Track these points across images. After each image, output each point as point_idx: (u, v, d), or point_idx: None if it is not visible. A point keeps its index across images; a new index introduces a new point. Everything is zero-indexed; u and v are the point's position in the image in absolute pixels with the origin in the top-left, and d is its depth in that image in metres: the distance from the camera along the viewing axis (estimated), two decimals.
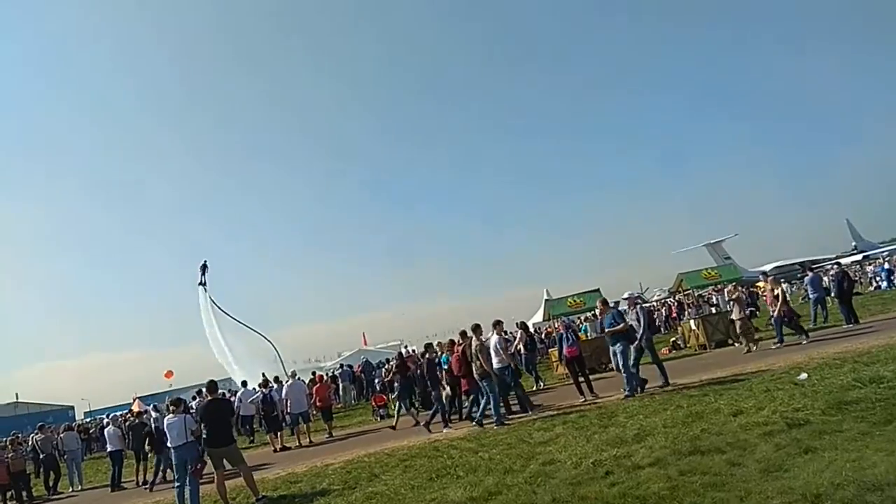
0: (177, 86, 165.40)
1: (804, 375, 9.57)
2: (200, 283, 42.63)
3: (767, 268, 54.66)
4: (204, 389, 13.14)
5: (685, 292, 26.27)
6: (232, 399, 19.16)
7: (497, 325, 13.64)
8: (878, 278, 33.87)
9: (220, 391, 21.63)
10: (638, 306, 13.47)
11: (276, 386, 17.40)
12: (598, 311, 16.75)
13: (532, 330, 22.87)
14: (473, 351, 12.03)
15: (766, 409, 7.79)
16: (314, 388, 17.45)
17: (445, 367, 15.41)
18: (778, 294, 15.71)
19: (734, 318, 16.13)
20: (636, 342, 12.37)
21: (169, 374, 62.93)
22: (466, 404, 13.87)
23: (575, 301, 24.78)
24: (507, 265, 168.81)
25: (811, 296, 20.06)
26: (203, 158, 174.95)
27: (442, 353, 16.45)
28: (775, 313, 15.57)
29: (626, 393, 11.56)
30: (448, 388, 14.69)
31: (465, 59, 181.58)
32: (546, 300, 30.79)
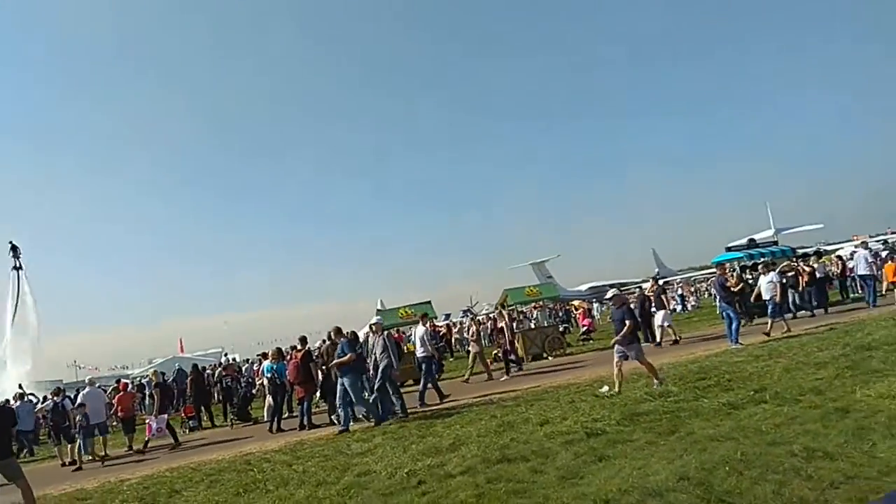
0: None
1: (605, 388, 10.36)
2: (15, 267, 38.49)
3: (583, 288, 58.86)
4: None
5: (510, 307, 27.41)
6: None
7: (424, 317, 15.17)
8: (674, 302, 37.67)
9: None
10: (384, 333, 12.37)
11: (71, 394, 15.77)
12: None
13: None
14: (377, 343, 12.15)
15: (569, 419, 8.30)
16: (116, 397, 16.01)
17: (268, 375, 14.96)
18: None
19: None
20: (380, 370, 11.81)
21: None
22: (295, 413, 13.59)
23: (406, 312, 24.88)
24: (348, 275, 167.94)
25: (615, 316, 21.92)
26: None
27: (267, 361, 16.02)
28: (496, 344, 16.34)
29: (341, 428, 11.28)
30: (270, 397, 14.34)
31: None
32: (378, 310, 30.81)
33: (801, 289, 19.74)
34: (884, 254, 20.72)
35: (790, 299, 19.77)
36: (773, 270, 16.88)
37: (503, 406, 10.60)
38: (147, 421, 14.68)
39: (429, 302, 23.26)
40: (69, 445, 14.27)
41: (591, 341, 23.53)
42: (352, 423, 11.48)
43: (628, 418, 7.70)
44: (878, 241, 44.33)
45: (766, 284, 15.72)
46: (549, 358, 18.93)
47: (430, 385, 13.72)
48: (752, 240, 26.77)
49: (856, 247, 21.90)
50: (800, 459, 5.03)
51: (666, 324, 17.55)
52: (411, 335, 25.43)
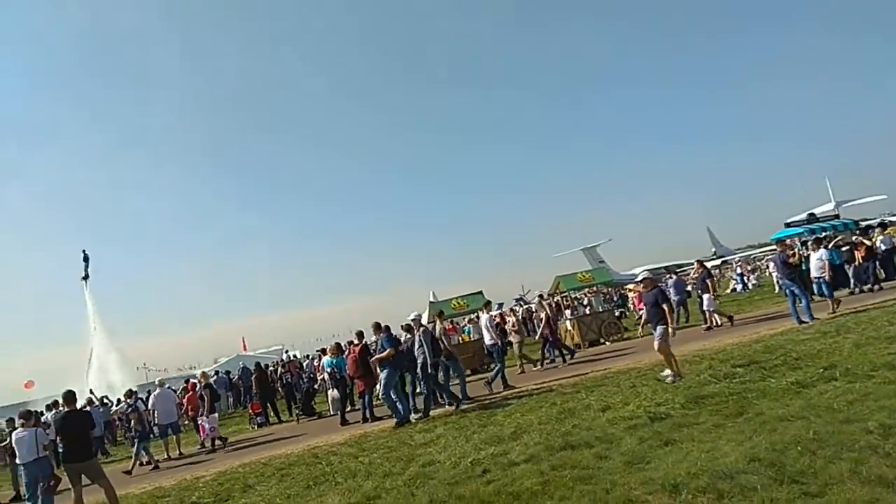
0: None
1: (667, 372, 10.18)
2: (84, 277, 39.82)
3: (637, 271, 57.94)
4: (60, 400, 12.06)
5: (562, 294, 27.20)
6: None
7: (487, 305, 16.16)
8: (734, 281, 36.67)
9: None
10: (421, 329, 12.22)
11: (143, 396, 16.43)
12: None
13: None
14: (438, 334, 12.57)
15: (631, 404, 8.21)
16: (185, 398, 16.58)
17: (328, 370, 15.27)
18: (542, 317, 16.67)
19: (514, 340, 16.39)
20: (418, 367, 11.99)
21: (29, 384, 57.76)
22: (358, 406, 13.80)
23: (459, 303, 25.01)
24: (395, 263, 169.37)
25: (674, 297, 21.56)
26: None
27: (326, 356, 16.36)
28: (537, 335, 16.02)
29: (397, 420, 11.28)
30: (334, 391, 14.64)
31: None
32: (431, 302, 31.00)
33: (857, 263, 18.92)
34: None
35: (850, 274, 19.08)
36: (824, 246, 16.33)
37: (563, 393, 10.55)
38: (199, 422, 15.16)
39: (480, 292, 23.30)
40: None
41: (648, 324, 23.13)
42: (412, 415, 11.67)
43: (693, 401, 7.59)
44: None
45: (815, 262, 15.27)
46: (607, 343, 18.71)
47: (502, 370, 13.89)
48: (812, 214, 25.98)
49: None
50: (876, 437, 4.87)
51: (710, 308, 17.12)
52: (465, 326, 25.60)
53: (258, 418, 17.77)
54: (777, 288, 21.31)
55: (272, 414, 18.20)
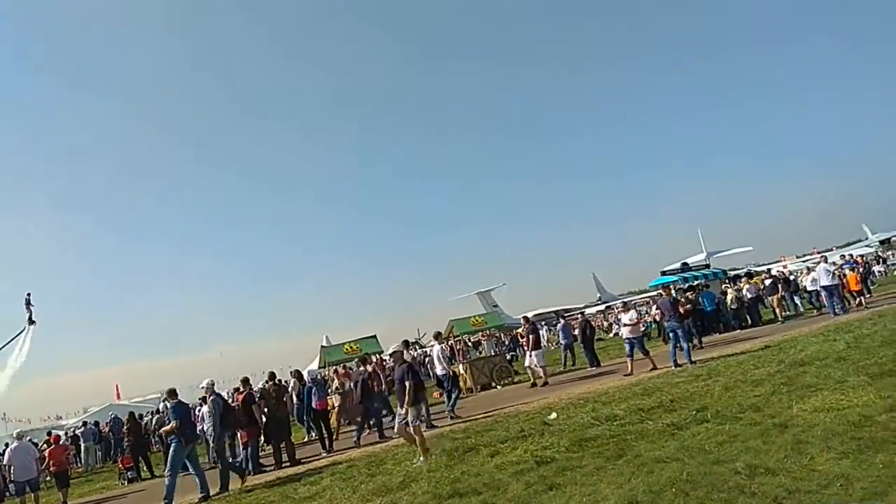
0: None
1: (553, 415, 10.40)
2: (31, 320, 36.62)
3: (529, 314, 59.51)
4: None
5: (455, 338, 27.39)
6: None
7: (438, 335, 16.71)
8: (616, 326, 38.31)
9: None
10: (212, 396, 11.52)
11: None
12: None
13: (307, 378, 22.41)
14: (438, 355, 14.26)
15: (519, 448, 8.28)
16: (48, 451, 15.17)
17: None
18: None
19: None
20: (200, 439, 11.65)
21: None
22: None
23: (352, 347, 24.59)
24: (290, 312, 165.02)
25: (562, 341, 22.39)
26: None
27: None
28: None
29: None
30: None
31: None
32: (322, 346, 30.26)
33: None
34: (845, 267, 21.93)
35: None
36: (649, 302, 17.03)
37: (453, 438, 10.49)
38: None
39: (374, 336, 23.09)
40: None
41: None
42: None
43: (577, 444, 7.74)
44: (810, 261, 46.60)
45: (627, 320, 15.68)
46: (498, 387, 18.93)
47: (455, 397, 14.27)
48: (685, 263, 27.71)
49: (815, 262, 23.03)
50: (743, 477, 5.13)
51: (541, 364, 16.85)
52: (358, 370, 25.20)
53: (129, 473, 16.48)
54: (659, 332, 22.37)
55: (144, 468, 16.98)
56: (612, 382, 13.50)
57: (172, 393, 11.13)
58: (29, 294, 37.21)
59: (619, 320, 15.96)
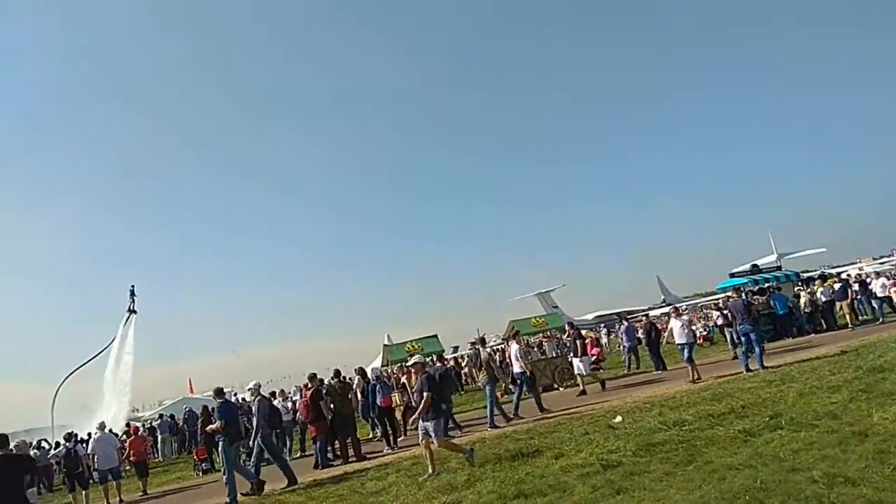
0: None
1: (619, 418, 10.26)
2: (131, 310, 40.01)
3: (590, 317, 58.78)
4: None
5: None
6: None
7: (516, 334, 16.90)
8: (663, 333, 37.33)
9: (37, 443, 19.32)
10: (258, 398, 11.76)
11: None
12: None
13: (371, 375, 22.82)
14: (483, 359, 14.13)
15: (584, 451, 8.21)
16: (128, 441, 15.93)
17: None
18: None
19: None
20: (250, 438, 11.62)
21: None
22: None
23: (413, 346, 24.78)
24: (350, 310, 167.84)
25: (625, 344, 22.03)
26: None
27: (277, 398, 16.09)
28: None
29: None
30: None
31: None
32: (385, 345, 30.67)
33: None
34: None
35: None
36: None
37: (516, 439, 10.50)
38: None
39: (435, 335, 23.22)
40: (83, 492, 14.16)
41: (601, 370, 23.35)
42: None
43: (644, 449, 7.63)
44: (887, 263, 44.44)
45: (678, 329, 15.14)
46: (560, 388, 18.79)
47: (527, 395, 14.56)
48: (755, 265, 26.82)
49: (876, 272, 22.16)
50: (821, 486, 4.98)
51: (585, 371, 16.81)
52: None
53: (203, 464, 17.12)
54: (727, 337, 21.70)
55: (218, 460, 17.57)
56: (679, 387, 13.21)
57: (219, 392, 11.26)
58: (133, 286, 40.25)
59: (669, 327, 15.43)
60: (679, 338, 14.93)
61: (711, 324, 26.49)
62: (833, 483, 5.00)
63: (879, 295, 21.78)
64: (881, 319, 20.77)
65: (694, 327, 29.82)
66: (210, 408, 22.00)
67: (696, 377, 13.92)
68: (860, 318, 22.33)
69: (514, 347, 15.14)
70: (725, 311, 19.30)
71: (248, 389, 12.14)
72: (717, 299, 38.50)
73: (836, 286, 21.48)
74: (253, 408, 11.88)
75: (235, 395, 48.03)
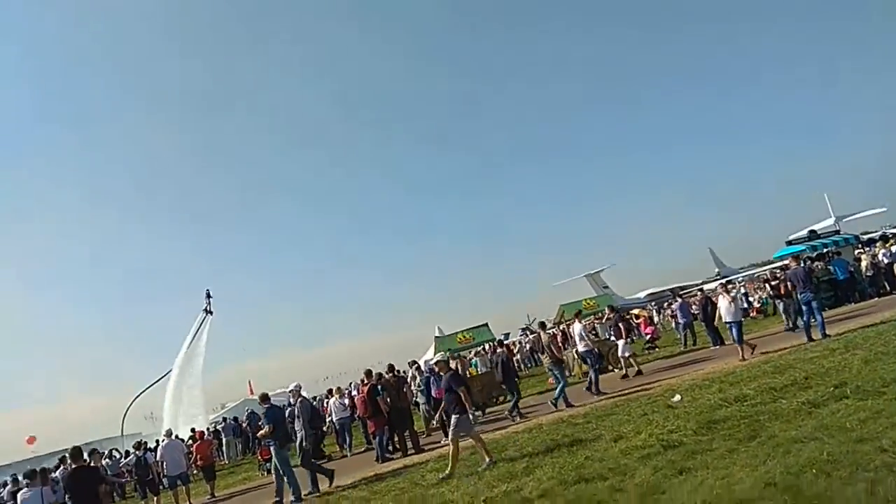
0: None
1: (678, 397, 10.11)
2: (207, 311, 41.18)
3: (641, 295, 57.82)
4: (67, 457, 11.86)
5: (567, 322, 27.14)
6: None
7: (578, 314, 16.68)
8: (741, 300, 36.46)
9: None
10: (299, 399, 12.21)
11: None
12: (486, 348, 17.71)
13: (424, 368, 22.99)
14: (545, 343, 14.25)
15: (643, 432, 8.12)
16: (194, 446, 16.46)
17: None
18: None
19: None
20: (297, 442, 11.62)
21: (31, 439, 57.32)
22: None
23: (464, 336, 24.97)
24: (399, 307, 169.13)
25: (680, 320, 21.66)
26: None
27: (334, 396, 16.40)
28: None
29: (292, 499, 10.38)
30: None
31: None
32: (437, 337, 30.90)
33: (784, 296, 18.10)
34: None
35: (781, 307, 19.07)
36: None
37: (573, 424, 10.46)
38: None
39: (486, 324, 23.32)
40: (155, 498, 14.71)
41: (656, 349, 23.04)
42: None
43: (705, 427, 7.52)
44: None
45: (726, 306, 14.64)
46: (615, 370, 18.61)
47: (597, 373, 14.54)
48: (812, 231, 26.05)
49: None
50: (891, 455, 4.83)
51: (627, 354, 16.53)
52: (472, 359, 25.61)
53: (267, 464, 17.54)
54: (778, 308, 21.08)
55: None
56: (739, 361, 12.93)
57: (265, 397, 11.38)
58: (208, 289, 41.19)
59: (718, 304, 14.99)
60: (727, 315, 14.47)
61: (765, 295, 25.72)
62: None
63: None
64: None
65: (752, 298, 29.39)
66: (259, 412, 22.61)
67: (745, 356, 13.33)
68: None
69: (577, 327, 15.20)
70: (776, 283, 18.84)
71: (290, 391, 12.32)
72: (775, 268, 37.44)
73: (894, 248, 20.60)
74: (296, 410, 11.99)
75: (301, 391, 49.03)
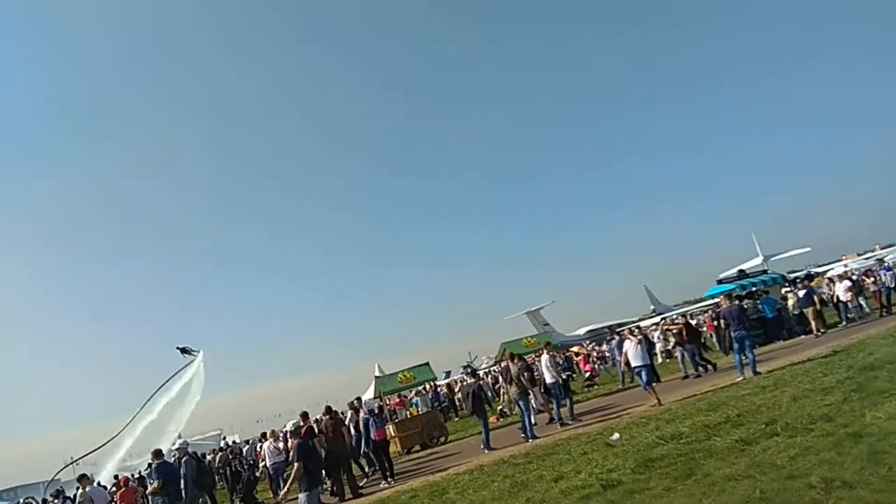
0: None
1: (616, 436, 10.19)
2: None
3: (581, 332, 58.64)
4: None
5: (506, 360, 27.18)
6: None
7: (547, 345, 16.98)
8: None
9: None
10: (185, 458, 11.76)
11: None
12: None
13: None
14: (514, 374, 14.17)
15: (583, 472, 8.15)
16: (118, 494, 15.57)
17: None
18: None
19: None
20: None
21: None
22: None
23: (405, 376, 24.56)
24: (339, 342, 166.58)
25: (618, 358, 21.97)
26: None
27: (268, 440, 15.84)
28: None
29: None
30: None
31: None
32: (377, 376, 30.36)
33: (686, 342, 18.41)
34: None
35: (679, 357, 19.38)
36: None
37: (514, 464, 10.39)
38: None
39: (427, 363, 23.10)
40: None
41: (595, 386, 23.30)
42: None
43: (643, 465, 7.58)
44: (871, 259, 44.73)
45: (634, 350, 14.32)
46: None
47: (568, 403, 15.09)
48: (741, 270, 27.03)
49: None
50: (819, 491, 4.96)
51: (537, 404, 16.31)
52: (413, 399, 25.29)
53: None
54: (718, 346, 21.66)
55: None
56: (674, 399, 13.17)
57: (158, 453, 11.28)
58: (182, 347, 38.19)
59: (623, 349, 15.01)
60: (634, 360, 14.12)
61: (668, 346, 26.25)
62: (830, 488, 4.98)
63: (843, 298, 21.32)
64: (845, 322, 20.74)
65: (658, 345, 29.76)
66: (200, 453, 21.69)
67: (658, 402, 12.97)
68: (850, 314, 21.78)
69: (544, 358, 15.38)
70: (677, 330, 19.46)
71: (172, 450, 11.88)
72: (707, 307, 38.59)
73: (801, 293, 20.91)
74: (182, 470, 11.44)
75: (225, 438, 47.17)
